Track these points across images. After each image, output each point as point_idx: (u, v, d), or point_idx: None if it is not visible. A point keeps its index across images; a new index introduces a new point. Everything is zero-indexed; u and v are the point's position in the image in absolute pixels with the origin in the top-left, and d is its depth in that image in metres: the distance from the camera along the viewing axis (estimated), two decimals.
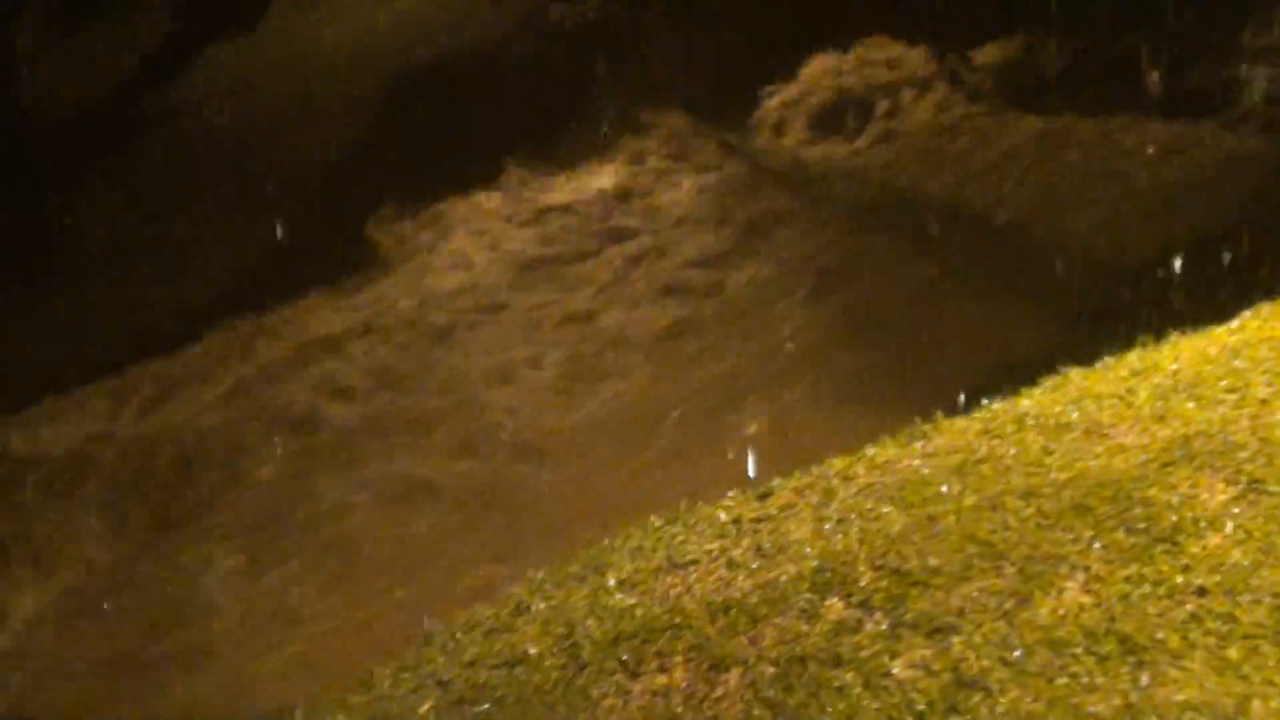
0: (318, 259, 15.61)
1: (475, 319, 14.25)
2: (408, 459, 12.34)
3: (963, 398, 9.08)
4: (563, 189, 16.34)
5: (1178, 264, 12.69)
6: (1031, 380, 7.75)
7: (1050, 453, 6.44)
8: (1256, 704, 4.71)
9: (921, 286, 14.42)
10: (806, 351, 13.59)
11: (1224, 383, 6.71)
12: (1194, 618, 5.15)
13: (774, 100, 17.34)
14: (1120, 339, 8.20)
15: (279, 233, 15.59)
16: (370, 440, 12.69)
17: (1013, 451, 6.54)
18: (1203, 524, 5.66)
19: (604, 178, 16.52)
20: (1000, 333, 13.06)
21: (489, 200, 16.24)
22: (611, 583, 6.24)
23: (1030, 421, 6.84)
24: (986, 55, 17.50)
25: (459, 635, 6.47)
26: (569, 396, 12.91)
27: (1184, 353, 7.23)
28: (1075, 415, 6.77)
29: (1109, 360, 7.54)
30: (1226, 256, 12.36)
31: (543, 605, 6.35)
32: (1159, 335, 7.76)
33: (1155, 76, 16.27)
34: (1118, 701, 4.84)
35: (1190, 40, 16.21)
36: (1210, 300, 10.58)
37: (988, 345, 12.97)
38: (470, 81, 17.43)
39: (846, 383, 13.03)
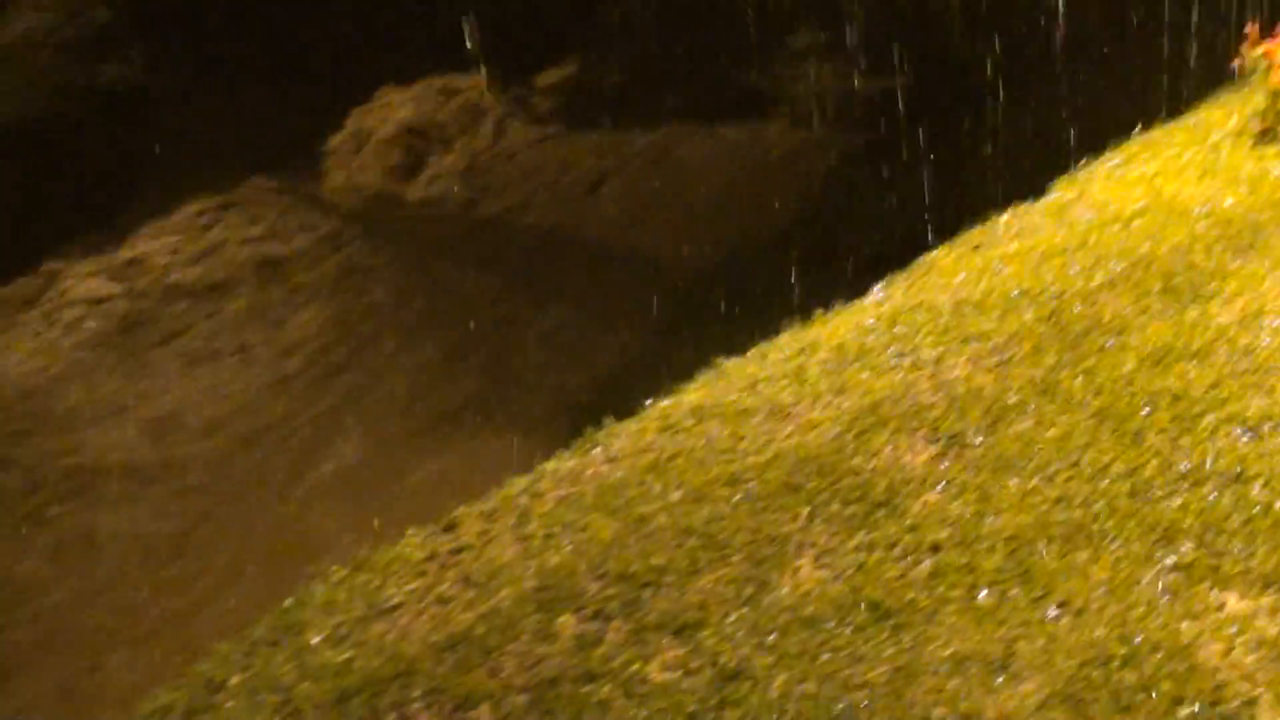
0: None
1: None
2: None
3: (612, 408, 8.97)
4: (127, 257, 15.46)
5: (783, 251, 13.06)
6: (685, 376, 7.63)
7: (741, 439, 6.34)
8: (1022, 645, 4.71)
9: (520, 311, 14.37)
10: (413, 391, 13.29)
11: (892, 349, 6.78)
12: (936, 574, 5.13)
13: (341, 145, 16.94)
14: (756, 327, 8.25)
15: None
16: None
17: (702, 443, 6.40)
18: (914, 483, 5.67)
19: (170, 241, 15.73)
20: (616, 338, 13.17)
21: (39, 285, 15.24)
22: (315, 640, 5.76)
23: (708, 412, 6.72)
24: (546, 78, 17.61)
25: None
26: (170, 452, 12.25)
27: (840, 328, 7.27)
28: (752, 400, 6.70)
29: (763, 346, 7.48)
30: (825, 238, 12.78)
31: (239, 678, 5.79)
32: (804, 316, 7.75)
33: (710, 83, 16.68)
34: (886, 667, 4.76)
35: (738, 46, 16.70)
36: (829, 278, 10.87)
37: (602, 349, 13.05)
38: (9, 157, 16.27)
39: (463, 414, 12.81)
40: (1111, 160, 8.83)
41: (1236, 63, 8.59)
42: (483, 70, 17.51)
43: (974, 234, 8.21)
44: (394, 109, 17.41)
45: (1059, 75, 13.92)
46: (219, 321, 14.39)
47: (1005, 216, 8.30)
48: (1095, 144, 9.47)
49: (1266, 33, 8.75)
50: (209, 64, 17.26)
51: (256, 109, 17.19)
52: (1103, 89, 12.86)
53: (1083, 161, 9.08)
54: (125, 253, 15.16)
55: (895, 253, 8.78)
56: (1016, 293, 6.97)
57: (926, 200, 12.84)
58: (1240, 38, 8.59)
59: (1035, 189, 8.87)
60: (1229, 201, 7.42)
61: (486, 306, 14.71)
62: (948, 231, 8.62)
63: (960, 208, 10.32)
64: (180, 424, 13.05)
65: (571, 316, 14.19)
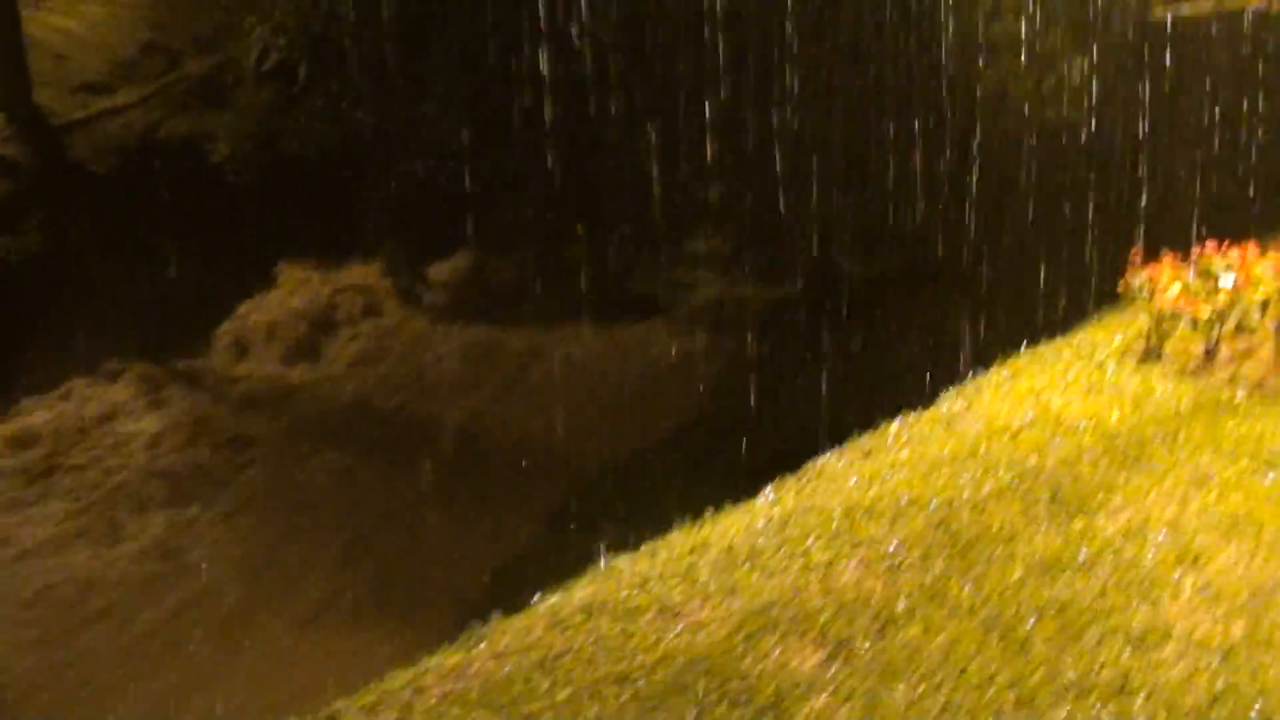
0: None
1: None
2: None
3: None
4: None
5: (669, 453, 13.12)
6: (575, 573, 7.58)
7: (630, 636, 6.28)
8: None
9: (406, 505, 14.24)
10: (294, 583, 13.06)
11: (782, 551, 6.78)
12: None
13: (234, 328, 16.84)
14: (647, 524, 8.24)
15: None
16: None
17: (591, 641, 6.32)
18: (802, 687, 5.63)
19: (49, 418, 15.46)
20: (509, 533, 13.07)
21: None
22: None
23: (598, 609, 6.65)
24: (440, 271, 17.69)
25: None
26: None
27: (731, 529, 7.26)
28: (641, 598, 6.65)
29: (654, 543, 7.45)
30: (717, 439, 12.84)
31: None
32: (696, 515, 7.75)
33: (603, 284, 16.85)
34: None
35: (634, 248, 16.93)
36: (720, 479, 10.88)
37: (491, 544, 12.93)
38: None
39: (345, 608, 12.60)
40: (1000, 374, 9.00)
41: (1121, 286, 8.84)
42: (379, 261, 17.59)
43: (865, 441, 8.29)
44: (289, 295, 17.39)
45: (953, 289, 14.24)
46: (80, 513, 14.11)
47: (895, 425, 8.39)
48: (985, 357, 9.66)
49: (1150, 257, 9.03)
50: (107, 242, 17.16)
51: (151, 289, 17.07)
52: (993, 304, 13.16)
53: (971, 374, 9.24)
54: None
55: (786, 457, 8.85)
56: (906, 500, 7.02)
57: (818, 407, 12.97)
58: (1125, 261, 8.84)
59: (925, 399, 9.00)
60: (1114, 417, 7.57)
61: (372, 499, 14.57)
62: (839, 437, 8.71)
63: (851, 415, 10.47)
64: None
65: (460, 511, 14.06)
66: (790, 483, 7.98)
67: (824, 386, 13.28)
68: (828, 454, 8.27)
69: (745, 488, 8.24)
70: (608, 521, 12.57)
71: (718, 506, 7.85)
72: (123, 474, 14.67)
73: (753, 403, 14.42)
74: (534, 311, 17.17)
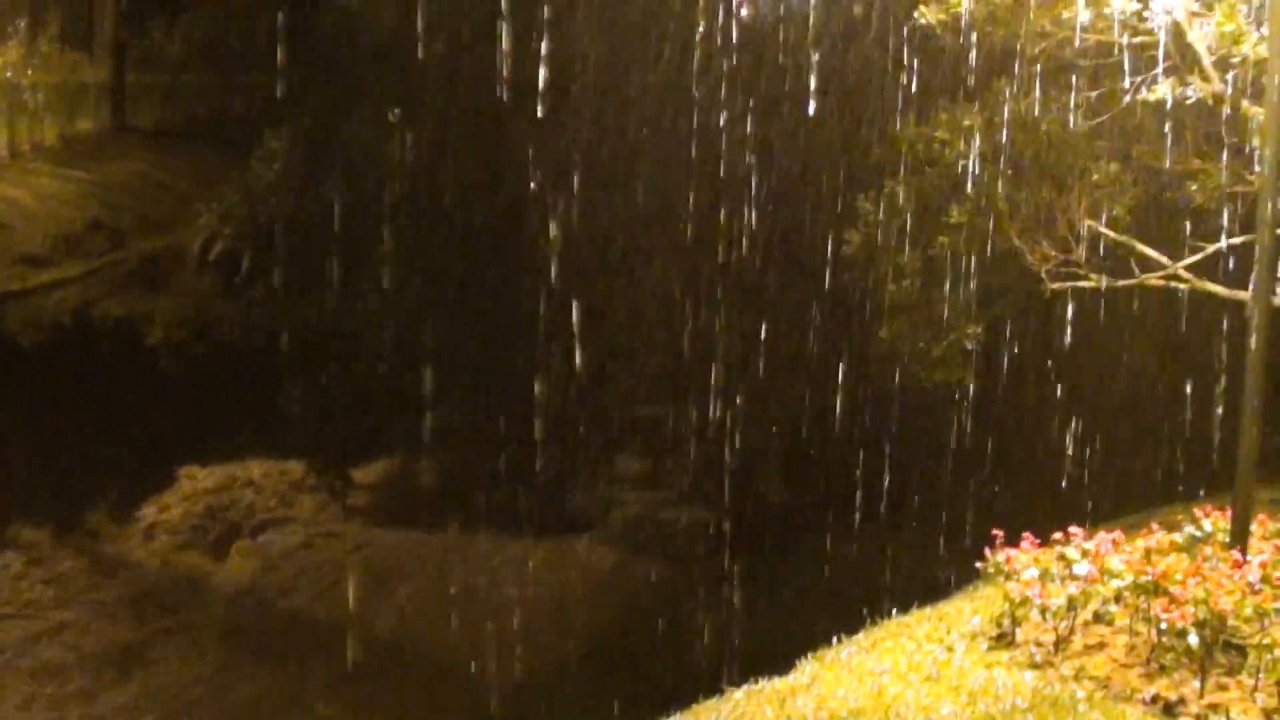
0: None
1: None
2: None
3: None
4: None
5: (566, 679, 12.99)
6: None
7: None
8: None
9: (306, 713, 14.02)
10: None
11: None
12: None
13: (150, 513, 16.61)
14: None
15: None
16: None
17: None
18: None
19: None
20: None
21: None
22: None
23: None
24: (365, 473, 17.50)
25: None
26: None
27: None
28: None
29: None
30: (618, 665, 12.71)
31: None
32: None
33: (530, 496, 16.67)
34: None
35: (563, 463, 16.77)
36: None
37: None
38: None
39: None
40: (860, 642, 8.74)
41: (980, 565, 8.60)
42: (306, 457, 17.41)
43: (703, 710, 8.04)
44: (212, 485, 17.18)
45: (856, 538, 14.14)
46: None
47: (739, 694, 8.14)
48: (860, 614, 9.42)
49: (1030, 528, 8.79)
50: (28, 417, 17.02)
51: (71, 468, 16.89)
52: (883, 554, 13.05)
53: (836, 639, 8.99)
54: None
55: (670, 691, 8.68)
56: None
57: (714, 642, 12.84)
58: (990, 538, 8.60)
59: (787, 657, 8.76)
60: (945, 710, 7.27)
61: (277, 701, 14.33)
62: (711, 681, 8.53)
63: (737, 652, 10.31)
64: None
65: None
66: None
67: (724, 621, 13.10)
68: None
69: None
70: None
71: None
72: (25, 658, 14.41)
73: (658, 629, 14.23)
74: (457, 519, 16.98)
